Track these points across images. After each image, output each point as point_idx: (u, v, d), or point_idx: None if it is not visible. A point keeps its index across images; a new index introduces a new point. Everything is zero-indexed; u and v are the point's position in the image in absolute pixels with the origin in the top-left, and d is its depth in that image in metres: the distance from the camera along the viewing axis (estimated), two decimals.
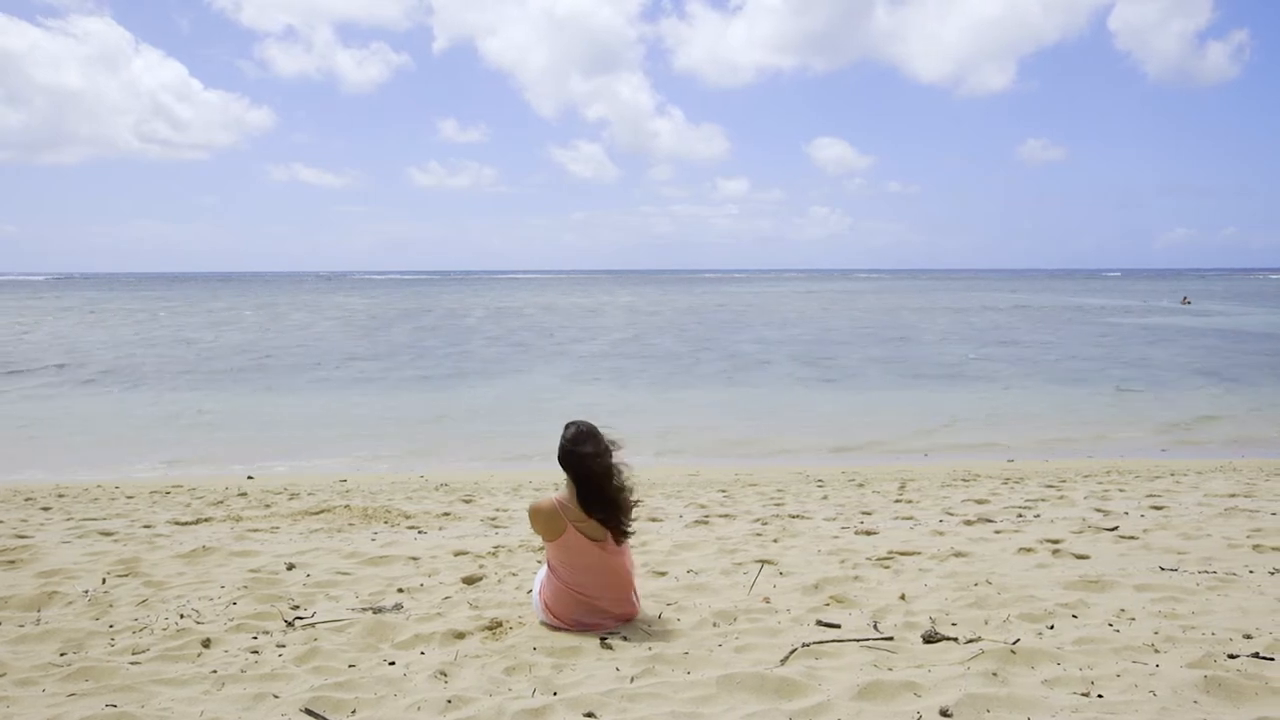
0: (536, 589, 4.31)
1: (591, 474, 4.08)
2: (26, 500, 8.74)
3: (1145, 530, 6.15)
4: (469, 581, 5.09)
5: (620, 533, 4.16)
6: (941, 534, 6.24)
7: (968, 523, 6.71)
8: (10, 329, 38.21)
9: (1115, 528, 6.27)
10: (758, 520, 7.05)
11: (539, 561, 5.33)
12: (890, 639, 3.85)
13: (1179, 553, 5.46)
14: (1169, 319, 42.68)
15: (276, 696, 3.36)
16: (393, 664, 3.72)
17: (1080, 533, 6.14)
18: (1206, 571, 4.95)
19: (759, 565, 5.23)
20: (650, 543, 5.94)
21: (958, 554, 5.51)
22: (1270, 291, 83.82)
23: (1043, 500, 7.96)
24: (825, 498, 8.49)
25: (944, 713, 3.07)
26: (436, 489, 9.51)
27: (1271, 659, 3.49)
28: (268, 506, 8.21)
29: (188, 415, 16.14)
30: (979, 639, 3.82)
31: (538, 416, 15.48)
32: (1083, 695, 3.21)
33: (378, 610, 4.45)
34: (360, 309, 56.61)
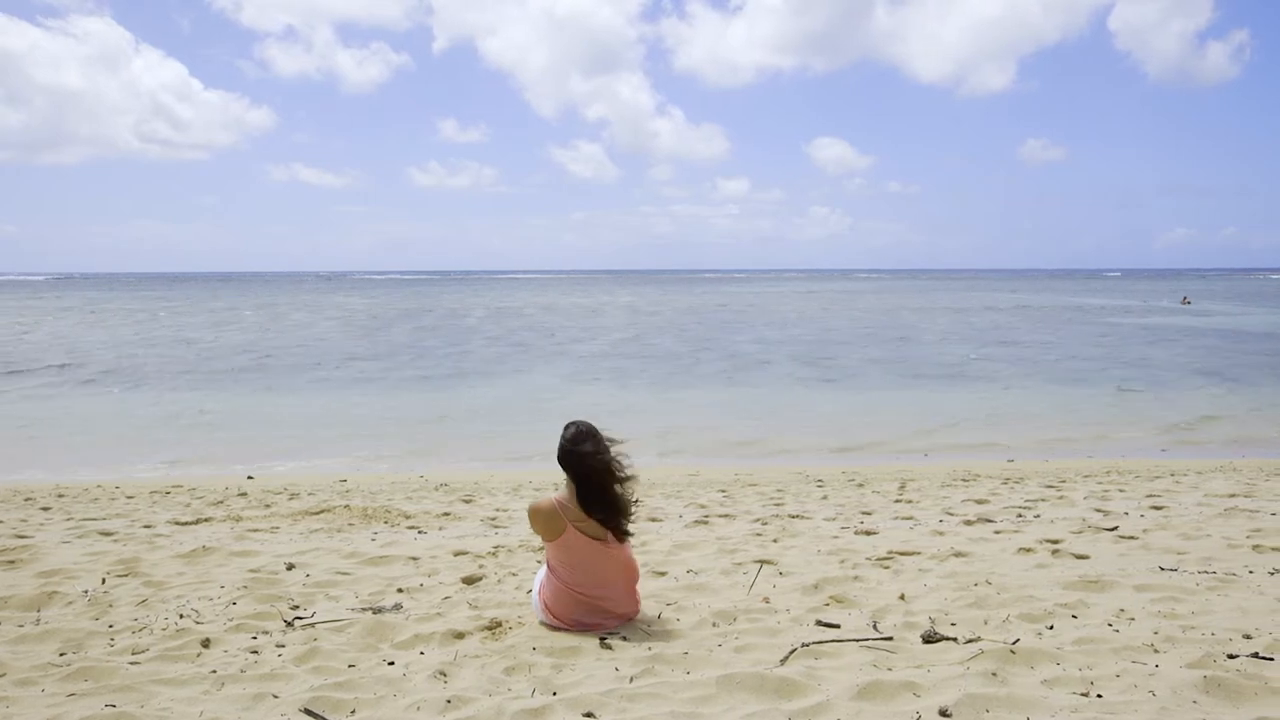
0: (536, 589, 4.31)
1: (591, 473, 4.08)
2: (26, 500, 8.74)
3: (1145, 530, 6.15)
4: (469, 581, 5.09)
5: (621, 532, 4.17)
6: (941, 534, 6.24)
7: (967, 523, 6.71)
8: (10, 329, 38.22)
9: (1115, 528, 6.26)
10: (757, 520, 7.05)
11: (539, 562, 5.33)
12: (890, 639, 3.85)
13: (1179, 553, 5.46)
14: (1169, 319, 42.68)
15: (276, 696, 3.37)
16: (392, 664, 3.72)
17: (1080, 533, 6.14)
18: (1206, 572, 4.95)
19: (759, 565, 5.23)
20: (650, 543, 5.94)
21: (957, 554, 5.51)
22: (1270, 291, 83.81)
23: (1042, 500, 7.96)
24: (825, 498, 8.49)
25: (943, 713, 3.07)
26: (436, 489, 9.51)
27: (1271, 659, 3.49)
28: (268, 506, 8.21)
29: (188, 415, 16.14)
30: (978, 639, 3.82)
31: (538, 416, 15.48)
32: (1082, 695, 3.21)
33: (377, 610, 4.45)
34: (360, 309, 56.61)
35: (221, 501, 8.65)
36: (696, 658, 3.71)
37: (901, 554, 5.55)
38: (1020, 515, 7.07)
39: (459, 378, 22.01)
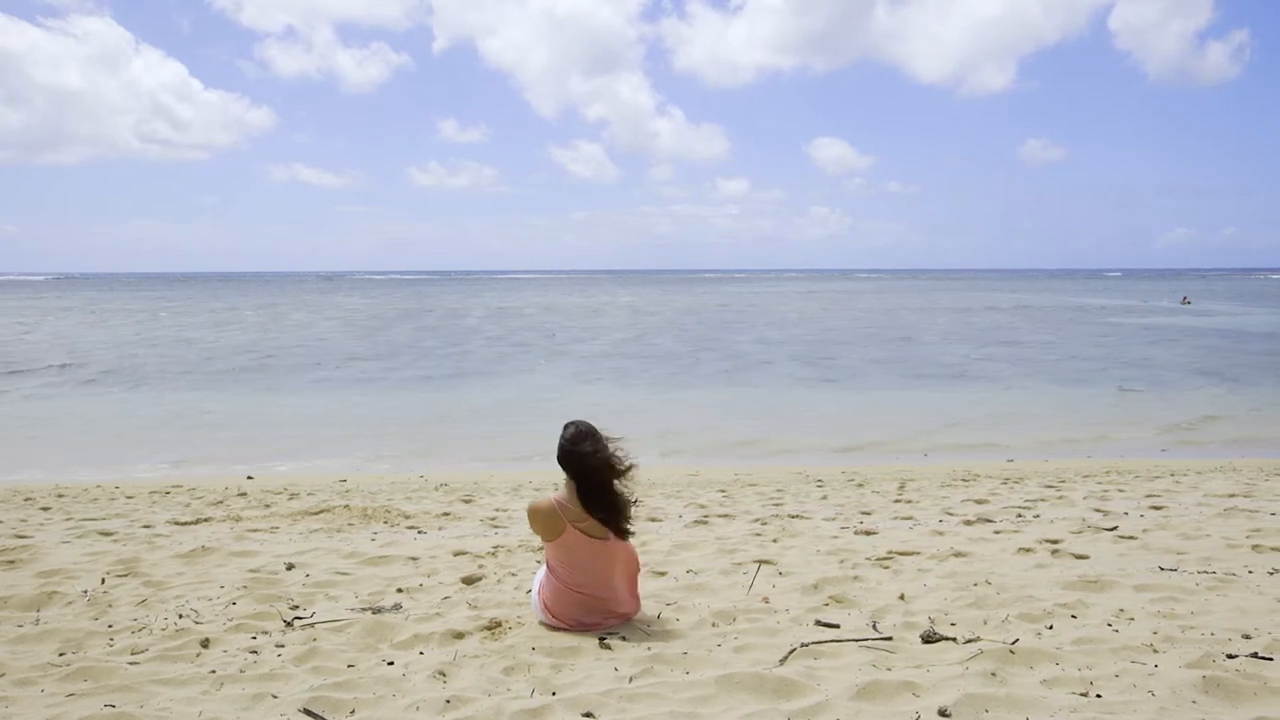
0: (535, 589, 4.31)
1: (591, 471, 4.08)
2: (26, 500, 8.75)
3: (1144, 530, 6.15)
4: (468, 581, 5.09)
5: (621, 531, 4.17)
6: (941, 534, 6.24)
7: (967, 523, 6.71)
8: (11, 329, 38.24)
9: (1114, 528, 6.26)
10: (757, 520, 7.05)
11: (538, 562, 5.34)
12: (889, 639, 3.85)
13: (1178, 553, 5.46)
14: (1170, 319, 42.67)
15: (275, 696, 3.37)
16: (392, 664, 3.72)
17: (1079, 533, 6.14)
18: (1205, 571, 4.95)
19: (758, 565, 5.23)
20: (650, 543, 5.94)
21: (957, 554, 5.51)
22: (1271, 291, 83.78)
23: (1042, 500, 7.96)
24: (825, 498, 8.49)
25: (942, 713, 3.07)
26: (436, 489, 9.51)
27: (1270, 659, 3.49)
28: (267, 506, 8.21)
29: (190, 415, 16.14)
30: (978, 639, 3.82)
31: (539, 416, 15.47)
32: (1081, 695, 3.21)
33: (377, 610, 4.45)
34: (361, 309, 56.63)
35: (221, 501, 8.65)
36: (696, 658, 3.71)
37: (901, 554, 5.55)
38: (1020, 515, 7.07)
39: (460, 378, 22.02)
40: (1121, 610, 4.22)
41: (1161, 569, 5.03)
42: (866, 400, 18.15)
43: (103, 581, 5.06)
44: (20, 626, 4.26)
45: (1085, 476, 9.78)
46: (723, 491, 9.03)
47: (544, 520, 4.14)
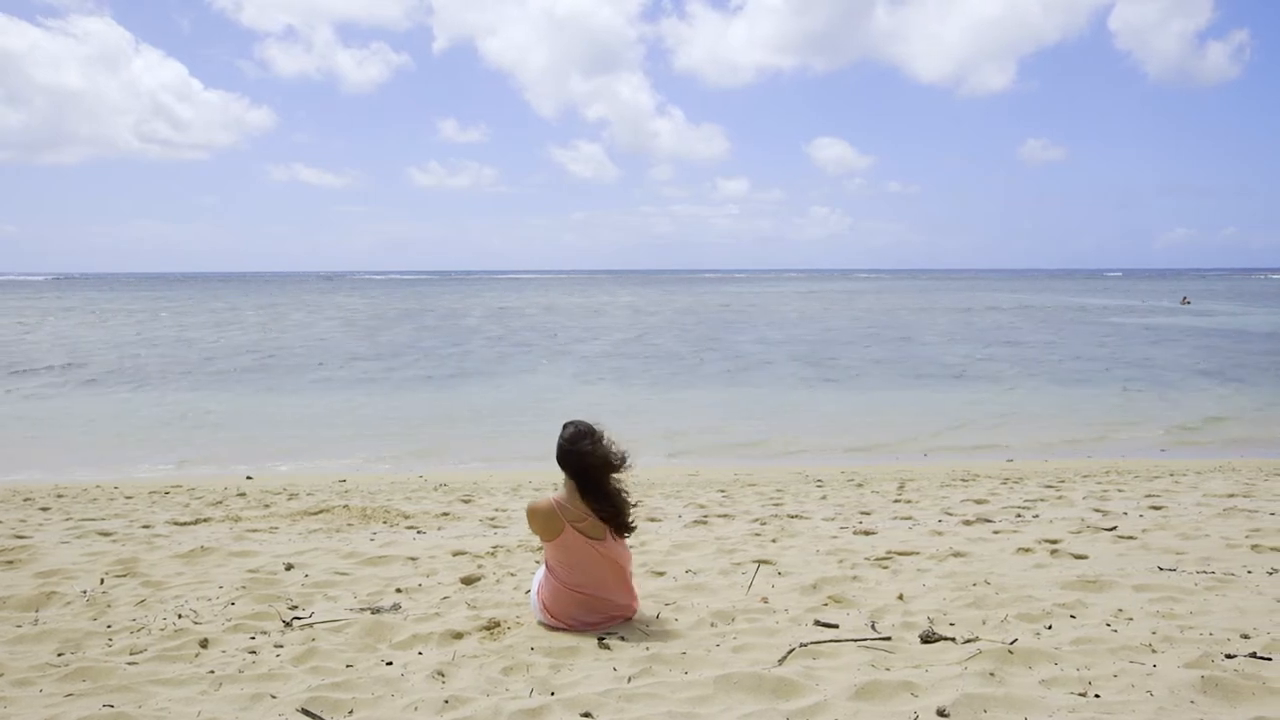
0: (534, 589, 4.31)
1: (590, 469, 4.09)
2: (25, 500, 8.75)
3: (1144, 530, 6.14)
4: (467, 582, 5.09)
5: (622, 529, 4.17)
6: (940, 534, 6.24)
7: (966, 523, 6.71)
8: (12, 329, 38.26)
9: (1114, 528, 6.26)
10: (756, 520, 7.05)
11: (537, 562, 5.34)
12: (888, 639, 3.84)
13: (1177, 553, 5.46)
14: (1171, 319, 42.65)
15: (274, 697, 3.37)
16: (390, 664, 3.72)
17: (1079, 533, 6.13)
18: (1205, 572, 4.95)
19: (757, 565, 5.23)
20: (649, 543, 5.94)
21: (956, 554, 5.51)
22: (1271, 292, 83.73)
23: (1041, 500, 7.96)
24: (824, 498, 8.49)
25: (941, 713, 3.06)
26: (435, 489, 9.51)
27: (1269, 659, 3.48)
28: (266, 507, 8.22)
29: (191, 415, 16.15)
30: (977, 639, 3.82)
31: (541, 416, 15.47)
32: (1080, 695, 3.20)
33: (376, 610, 4.45)
34: (361, 309, 56.64)
35: (220, 502, 8.65)
36: (694, 658, 3.71)
37: (900, 554, 5.55)
38: (1019, 515, 7.06)
39: (461, 378, 22.02)
40: (1120, 610, 4.22)
41: (1160, 569, 5.03)
42: (867, 400, 18.14)
43: (102, 582, 5.07)
44: (19, 627, 4.26)
45: (1085, 476, 9.78)
46: (722, 491, 9.03)
47: (543, 520, 4.15)
